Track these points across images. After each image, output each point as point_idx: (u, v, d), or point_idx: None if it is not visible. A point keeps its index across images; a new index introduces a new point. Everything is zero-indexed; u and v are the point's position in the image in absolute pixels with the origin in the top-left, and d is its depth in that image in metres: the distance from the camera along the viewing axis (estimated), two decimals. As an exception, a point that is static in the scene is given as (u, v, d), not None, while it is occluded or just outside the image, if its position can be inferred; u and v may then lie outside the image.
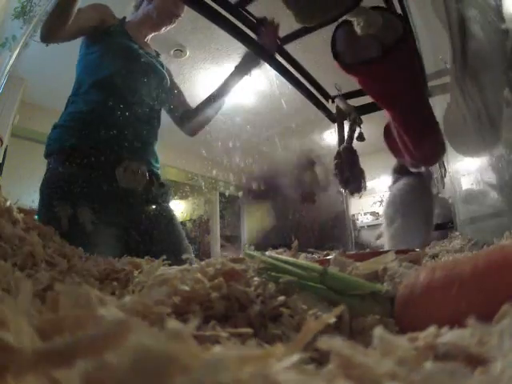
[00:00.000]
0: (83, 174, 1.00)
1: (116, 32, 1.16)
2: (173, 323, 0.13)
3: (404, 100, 0.81)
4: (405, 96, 0.82)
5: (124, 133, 1.06)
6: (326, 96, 1.58)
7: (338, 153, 1.38)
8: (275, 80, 1.36)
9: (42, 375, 0.12)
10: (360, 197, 1.37)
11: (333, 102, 1.55)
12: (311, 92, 1.48)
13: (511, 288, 0.21)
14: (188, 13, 1.24)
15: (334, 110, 1.59)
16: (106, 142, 1.03)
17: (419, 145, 0.89)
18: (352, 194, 1.37)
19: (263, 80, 2.77)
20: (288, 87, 1.59)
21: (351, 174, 1.32)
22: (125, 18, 1.23)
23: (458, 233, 1.34)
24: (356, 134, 1.40)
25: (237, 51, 2.43)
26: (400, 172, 1.33)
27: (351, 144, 1.38)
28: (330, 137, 3.83)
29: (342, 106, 1.48)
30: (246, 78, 1.34)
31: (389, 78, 0.75)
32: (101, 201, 1.00)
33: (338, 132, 1.71)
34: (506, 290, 0.21)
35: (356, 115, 1.42)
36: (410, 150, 0.91)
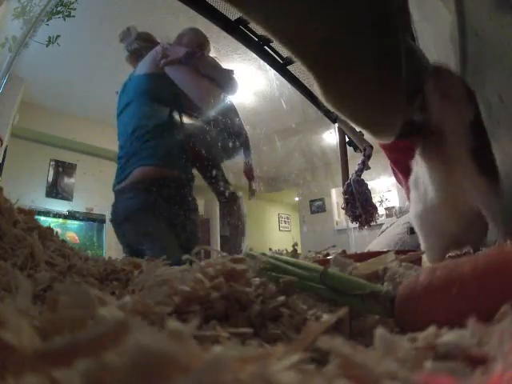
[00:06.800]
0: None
1: None
2: (173, 323, 0.13)
3: None
4: None
5: None
6: (330, 115, 1.59)
7: (348, 185, 1.32)
8: (275, 80, 1.36)
9: (41, 375, 0.12)
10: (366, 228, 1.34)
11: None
12: (311, 92, 1.48)
13: (511, 288, 0.21)
14: (187, 13, 1.24)
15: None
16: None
17: None
18: (361, 228, 1.33)
19: (263, 80, 2.77)
20: (288, 87, 1.59)
21: (363, 211, 1.27)
22: None
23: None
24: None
25: (236, 51, 2.43)
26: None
27: (361, 176, 1.32)
28: (329, 137, 3.84)
29: (356, 141, 1.45)
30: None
31: None
32: None
33: (338, 132, 1.71)
34: (506, 291, 0.21)
35: (370, 150, 1.36)
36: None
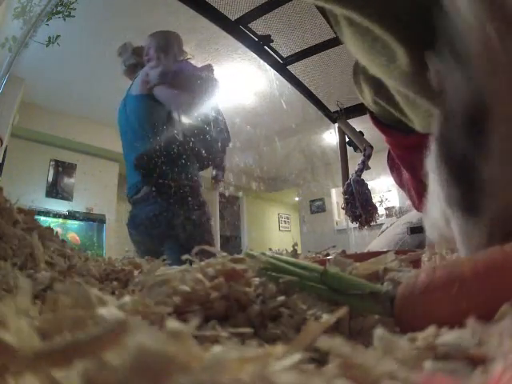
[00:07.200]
0: None
1: None
2: (173, 323, 0.13)
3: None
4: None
5: None
6: (330, 115, 1.61)
7: (348, 185, 1.33)
8: (275, 80, 1.36)
9: (41, 375, 0.12)
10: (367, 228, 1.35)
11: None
12: (311, 92, 1.48)
13: (511, 288, 0.21)
14: (187, 13, 1.24)
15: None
16: None
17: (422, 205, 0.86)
18: (360, 228, 1.34)
19: (263, 80, 2.77)
20: (288, 87, 1.59)
21: (363, 211, 1.29)
22: None
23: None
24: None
25: (236, 51, 2.43)
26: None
27: (361, 176, 1.34)
28: (329, 137, 3.84)
29: (356, 141, 1.47)
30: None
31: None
32: None
33: (338, 132, 1.71)
34: (506, 290, 0.21)
35: (370, 150, 1.38)
36: (413, 199, 0.89)
